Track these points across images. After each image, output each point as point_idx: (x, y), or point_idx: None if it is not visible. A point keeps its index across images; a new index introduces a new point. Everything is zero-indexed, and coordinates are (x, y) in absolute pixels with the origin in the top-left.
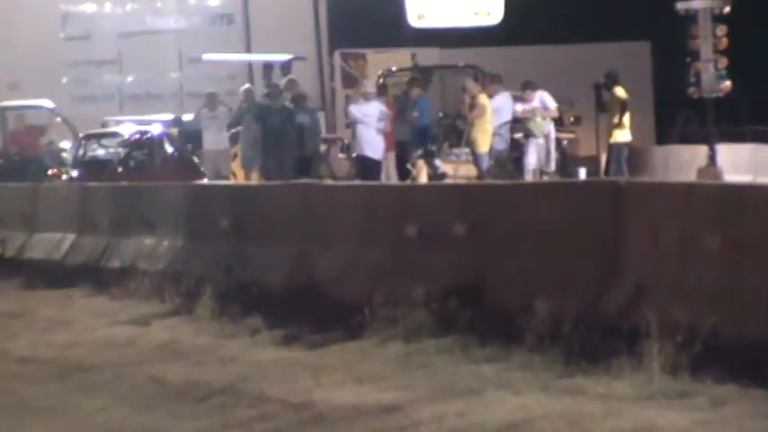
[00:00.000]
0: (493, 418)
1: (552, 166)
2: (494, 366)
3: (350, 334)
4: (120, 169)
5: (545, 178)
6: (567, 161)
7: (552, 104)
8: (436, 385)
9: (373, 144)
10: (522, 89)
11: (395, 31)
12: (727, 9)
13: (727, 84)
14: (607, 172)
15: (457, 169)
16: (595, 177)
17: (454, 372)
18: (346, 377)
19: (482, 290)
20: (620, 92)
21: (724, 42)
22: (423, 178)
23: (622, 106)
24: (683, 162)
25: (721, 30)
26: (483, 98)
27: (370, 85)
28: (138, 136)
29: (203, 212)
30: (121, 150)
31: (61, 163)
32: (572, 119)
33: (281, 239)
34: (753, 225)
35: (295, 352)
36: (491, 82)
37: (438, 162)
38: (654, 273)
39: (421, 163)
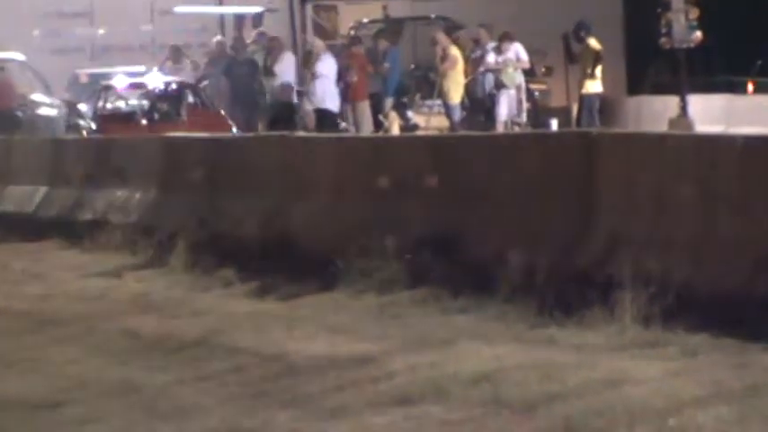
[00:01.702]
0: (466, 368)
1: (524, 117)
2: (467, 317)
3: (323, 286)
4: (144, 122)
5: (516, 129)
6: (538, 112)
7: (525, 56)
8: (409, 336)
9: (333, 97)
10: (500, 40)
11: None
12: None
13: (699, 34)
14: (579, 123)
15: (429, 121)
16: (567, 128)
17: (427, 323)
18: (319, 329)
19: (455, 241)
20: (593, 43)
21: None
22: (395, 130)
23: (596, 57)
24: (654, 113)
25: None
26: (454, 50)
27: (318, 44)
28: (162, 86)
29: (176, 164)
30: (145, 102)
31: (34, 116)
32: (543, 70)
33: (255, 191)
34: (725, 176)
35: (268, 304)
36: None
37: (410, 114)
38: (627, 223)
39: (393, 114)
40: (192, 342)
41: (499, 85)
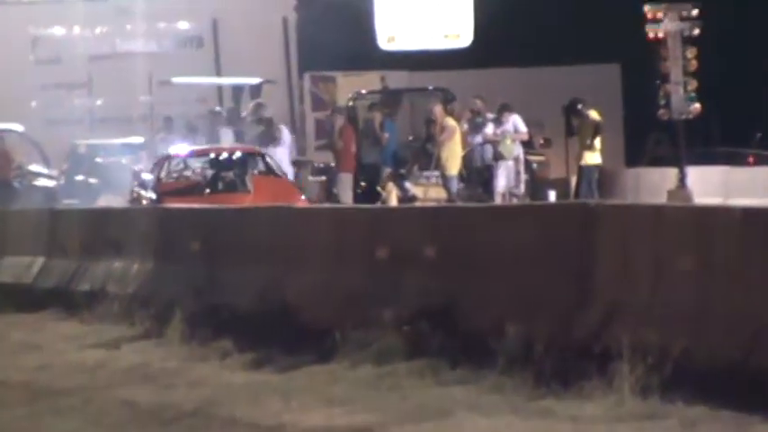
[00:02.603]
0: None
1: (522, 189)
2: (464, 389)
3: (320, 357)
4: (207, 191)
5: (515, 201)
6: (536, 184)
7: (523, 128)
8: (407, 408)
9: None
10: (499, 112)
11: (365, 54)
12: (696, 31)
13: (697, 106)
14: (577, 194)
15: (427, 192)
16: (565, 200)
17: (425, 394)
18: (316, 400)
19: (453, 312)
20: (593, 114)
21: (693, 65)
22: (393, 201)
23: (595, 128)
24: (653, 184)
25: (691, 52)
26: (450, 121)
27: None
28: (226, 154)
29: (173, 235)
30: (209, 171)
31: (32, 186)
32: (542, 141)
33: (252, 263)
34: (723, 247)
35: (265, 375)
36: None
37: (408, 185)
38: (625, 295)
39: (391, 185)
40: (189, 413)
41: (497, 157)
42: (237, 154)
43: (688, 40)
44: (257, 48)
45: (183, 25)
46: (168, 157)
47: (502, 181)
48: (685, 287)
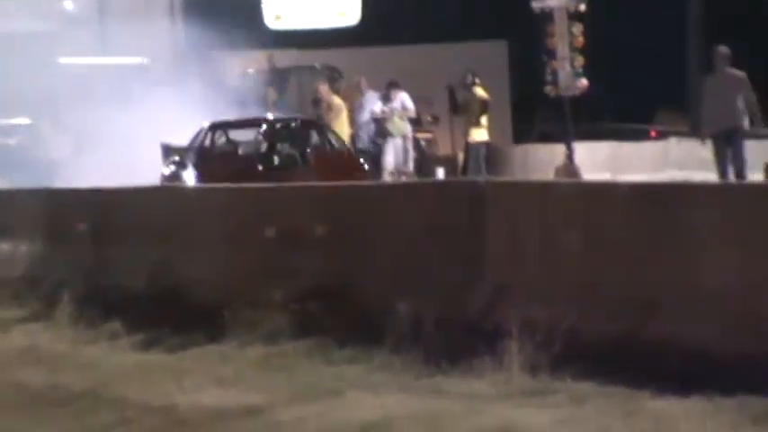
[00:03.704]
0: (353, 419)
1: (411, 166)
2: (354, 368)
3: (211, 337)
4: (260, 168)
5: (404, 178)
6: (425, 161)
7: (411, 105)
8: (297, 387)
9: None
10: (387, 89)
11: (252, 33)
12: (582, 7)
13: (584, 82)
14: (465, 172)
15: None
16: (454, 177)
17: (314, 374)
18: (207, 380)
19: (343, 291)
20: (480, 92)
21: (580, 41)
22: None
23: (483, 106)
24: (541, 161)
25: (577, 28)
26: (336, 99)
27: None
28: (281, 124)
29: (62, 217)
30: (262, 144)
31: None
32: (430, 119)
33: (142, 244)
34: (610, 224)
35: (155, 356)
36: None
37: None
38: (514, 272)
39: None
40: (79, 394)
41: (385, 134)
42: (295, 124)
43: (574, 16)
44: (143, 27)
45: (68, 5)
46: (213, 128)
47: (390, 159)
48: (573, 264)
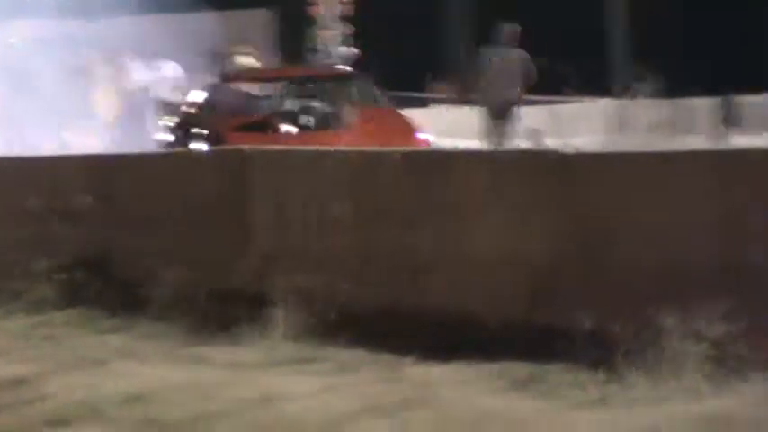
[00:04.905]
0: (120, 388)
1: None
2: (120, 336)
3: None
4: (282, 128)
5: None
6: None
7: (180, 74)
8: (62, 357)
9: None
10: (153, 59)
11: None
12: None
13: (354, 50)
14: None
15: (87, 140)
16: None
17: (80, 343)
18: None
19: (110, 261)
20: (248, 61)
21: (348, 9)
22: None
23: None
24: None
25: None
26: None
27: None
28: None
29: None
30: (288, 102)
31: None
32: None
33: None
34: (380, 192)
35: None
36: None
37: (65, 133)
38: (281, 241)
39: None
40: None
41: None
42: (327, 77)
43: None
44: None
45: None
46: (227, 79)
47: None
48: (344, 232)
